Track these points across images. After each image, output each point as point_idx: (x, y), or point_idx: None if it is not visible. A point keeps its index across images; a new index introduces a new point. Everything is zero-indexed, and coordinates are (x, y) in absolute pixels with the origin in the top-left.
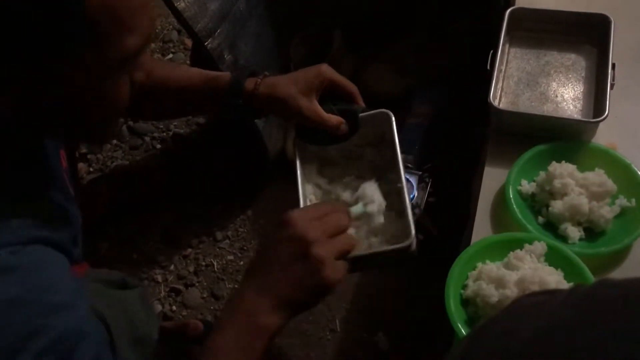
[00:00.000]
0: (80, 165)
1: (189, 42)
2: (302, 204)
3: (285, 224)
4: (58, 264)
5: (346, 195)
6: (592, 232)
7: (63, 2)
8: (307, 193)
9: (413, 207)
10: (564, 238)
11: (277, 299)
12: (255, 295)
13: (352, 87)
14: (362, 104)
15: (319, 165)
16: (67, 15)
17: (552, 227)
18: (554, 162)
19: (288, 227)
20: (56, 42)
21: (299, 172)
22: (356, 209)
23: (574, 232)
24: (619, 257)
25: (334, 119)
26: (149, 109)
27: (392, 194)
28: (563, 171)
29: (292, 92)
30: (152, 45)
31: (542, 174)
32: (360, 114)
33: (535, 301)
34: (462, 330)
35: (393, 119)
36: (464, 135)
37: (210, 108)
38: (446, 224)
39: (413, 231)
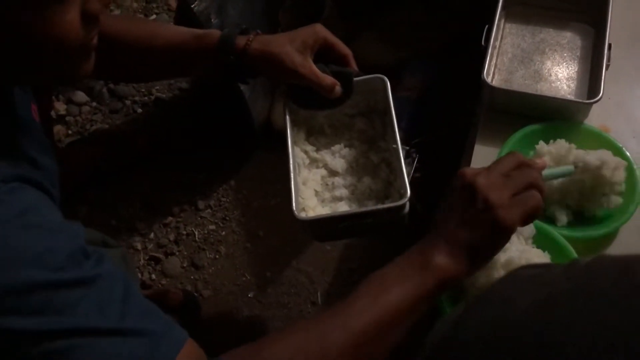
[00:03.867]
0: (59, 127)
1: (173, 3)
2: (291, 168)
3: (465, 187)
4: (45, 200)
5: (335, 163)
6: (581, 215)
7: None
8: (296, 157)
9: None
10: (552, 220)
11: (454, 244)
12: (431, 239)
13: (346, 49)
14: (355, 67)
15: (307, 134)
16: None
17: None
18: (541, 142)
19: (469, 189)
20: None
21: (289, 133)
22: (556, 171)
23: (563, 215)
24: (606, 241)
25: (329, 79)
26: (131, 69)
27: (382, 163)
28: (552, 149)
29: (287, 49)
30: (135, 4)
31: (532, 154)
32: (355, 78)
33: (533, 273)
34: (447, 309)
35: (388, 84)
36: (454, 111)
37: (199, 67)
38: (432, 200)
39: (408, 192)
